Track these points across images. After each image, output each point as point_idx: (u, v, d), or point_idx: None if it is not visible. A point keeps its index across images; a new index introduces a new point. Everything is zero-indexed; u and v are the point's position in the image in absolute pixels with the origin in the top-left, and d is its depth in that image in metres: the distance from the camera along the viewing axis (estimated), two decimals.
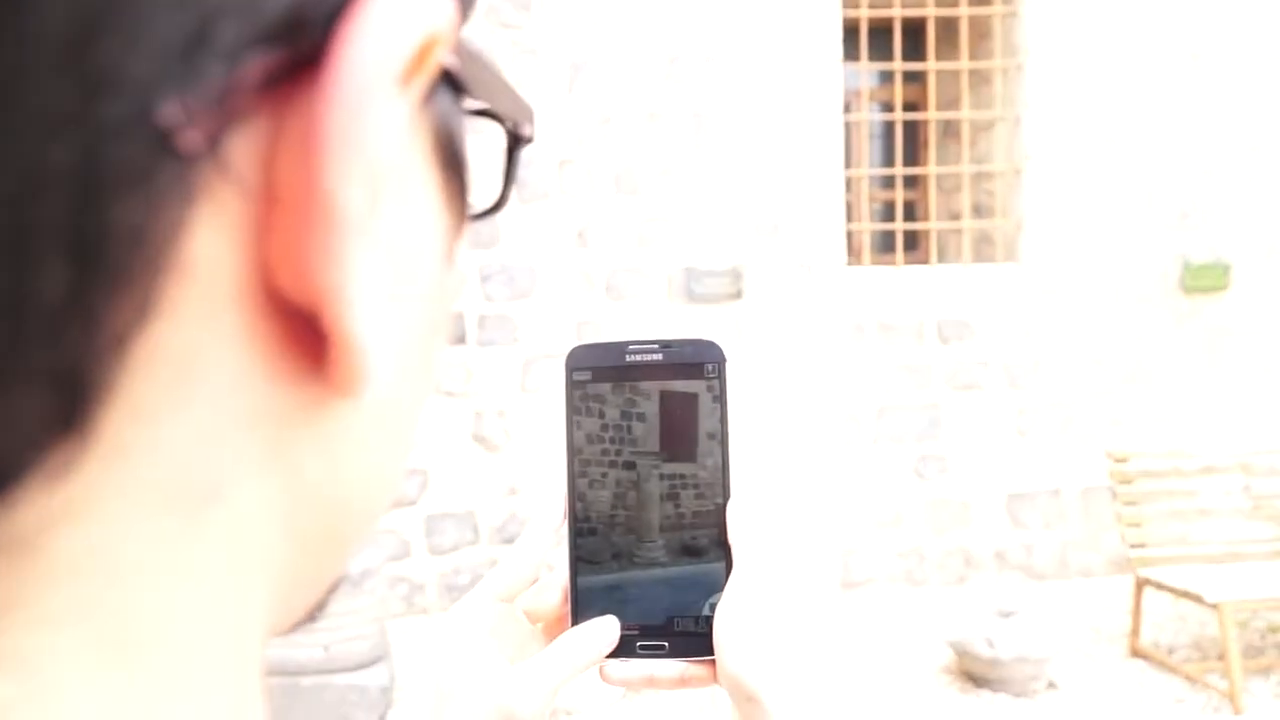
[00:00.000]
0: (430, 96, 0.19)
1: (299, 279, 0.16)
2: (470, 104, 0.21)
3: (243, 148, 0.15)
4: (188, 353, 0.16)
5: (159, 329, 0.15)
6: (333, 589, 0.22)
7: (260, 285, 0.16)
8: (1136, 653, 3.94)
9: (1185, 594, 3.62)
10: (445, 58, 0.19)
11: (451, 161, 0.21)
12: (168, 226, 0.14)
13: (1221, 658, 3.56)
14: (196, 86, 0.14)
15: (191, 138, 0.14)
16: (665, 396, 0.51)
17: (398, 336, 0.18)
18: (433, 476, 4.58)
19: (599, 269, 4.68)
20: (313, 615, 0.22)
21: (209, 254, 0.15)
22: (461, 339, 4.56)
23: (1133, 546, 3.92)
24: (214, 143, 0.15)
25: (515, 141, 0.25)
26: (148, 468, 0.16)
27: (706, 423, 0.51)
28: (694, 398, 0.51)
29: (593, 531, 0.52)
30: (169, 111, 0.14)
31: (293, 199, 0.16)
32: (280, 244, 0.16)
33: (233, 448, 0.17)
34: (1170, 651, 3.98)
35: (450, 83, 0.20)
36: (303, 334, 0.17)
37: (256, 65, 0.15)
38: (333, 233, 0.16)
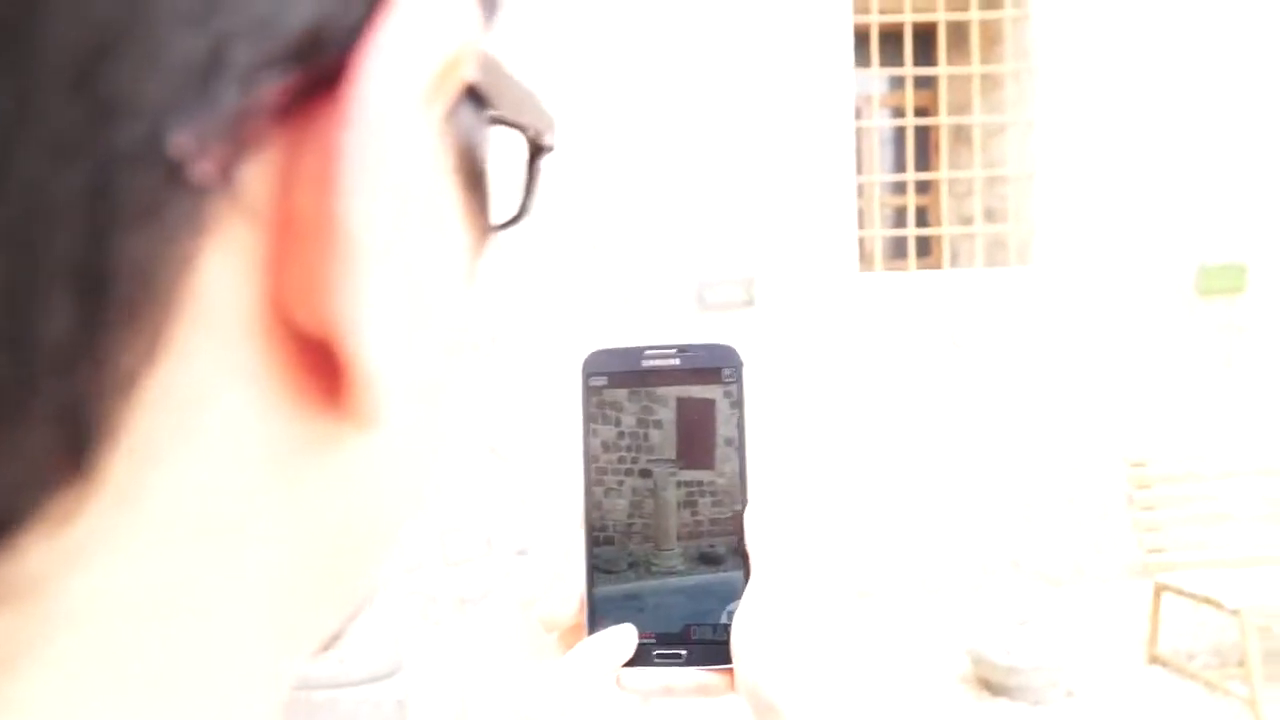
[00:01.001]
0: (453, 111, 0.19)
1: (313, 310, 0.15)
2: (491, 115, 0.21)
3: (255, 175, 0.15)
4: (198, 390, 0.15)
5: (168, 367, 0.14)
6: (352, 617, 0.22)
7: (272, 317, 0.15)
8: (1155, 659, 3.90)
9: (1205, 600, 3.58)
10: (468, 71, 0.18)
11: (473, 177, 0.20)
12: (177, 261, 0.14)
13: (1242, 664, 3.52)
14: (209, 113, 0.13)
15: (204, 168, 0.14)
16: (682, 402, 0.51)
17: (416, 364, 0.18)
18: (445, 488, 4.58)
19: (610, 277, 4.68)
20: (328, 645, 0.22)
21: (219, 288, 0.15)
22: (474, 349, 4.56)
23: (1151, 552, 3.89)
24: (227, 173, 0.14)
25: (537, 151, 0.24)
26: (157, 508, 0.15)
27: (724, 428, 0.50)
28: (711, 403, 0.50)
29: (609, 540, 0.51)
30: (181, 141, 0.13)
31: (308, 227, 0.15)
32: (293, 274, 0.15)
33: (245, 484, 0.16)
34: (1190, 658, 3.94)
35: (472, 95, 0.19)
36: (316, 365, 0.16)
37: (272, 88, 0.14)
38: (350, 262, 0.15)
